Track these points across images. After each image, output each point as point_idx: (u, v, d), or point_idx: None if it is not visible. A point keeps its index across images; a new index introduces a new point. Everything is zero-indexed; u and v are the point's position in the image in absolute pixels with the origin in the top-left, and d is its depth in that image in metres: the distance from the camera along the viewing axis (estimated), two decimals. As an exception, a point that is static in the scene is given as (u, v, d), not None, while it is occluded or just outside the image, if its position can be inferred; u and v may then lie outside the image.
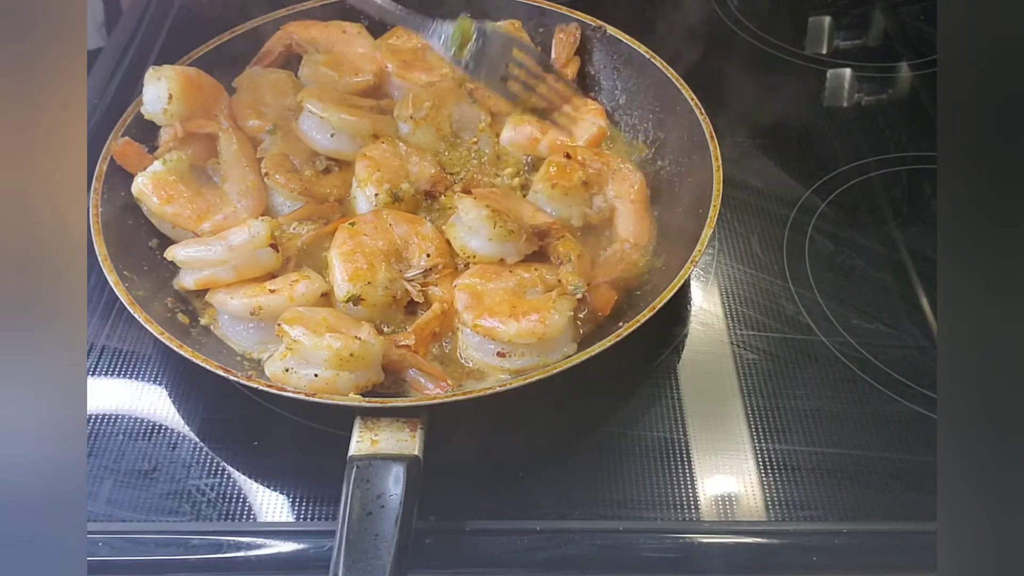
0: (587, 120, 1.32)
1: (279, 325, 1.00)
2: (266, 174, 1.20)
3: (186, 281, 1.10)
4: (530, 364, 1.03)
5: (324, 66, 1.33)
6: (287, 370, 0.99)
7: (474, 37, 1.12)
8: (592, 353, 0.97)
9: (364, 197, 1.19)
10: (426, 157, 1.25)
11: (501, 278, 1.09)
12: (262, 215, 1.16)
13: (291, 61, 1.40)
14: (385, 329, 1.09)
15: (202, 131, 1.23)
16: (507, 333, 1.01)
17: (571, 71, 1.39)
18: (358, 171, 1.20)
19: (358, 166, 1.21)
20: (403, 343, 1.03)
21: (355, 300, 1.07)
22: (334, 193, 1.23)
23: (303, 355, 0.98)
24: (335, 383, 0.97)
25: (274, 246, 1.10)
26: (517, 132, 1.30)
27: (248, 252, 1.08)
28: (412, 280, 1.11)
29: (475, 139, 1.31)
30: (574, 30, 1.40)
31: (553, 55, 1.41)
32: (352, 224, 1.14)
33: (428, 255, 1.13)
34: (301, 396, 0.94)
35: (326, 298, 1.09)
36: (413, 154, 1.24)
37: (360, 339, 0.99)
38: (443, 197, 1.22)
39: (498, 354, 1.04)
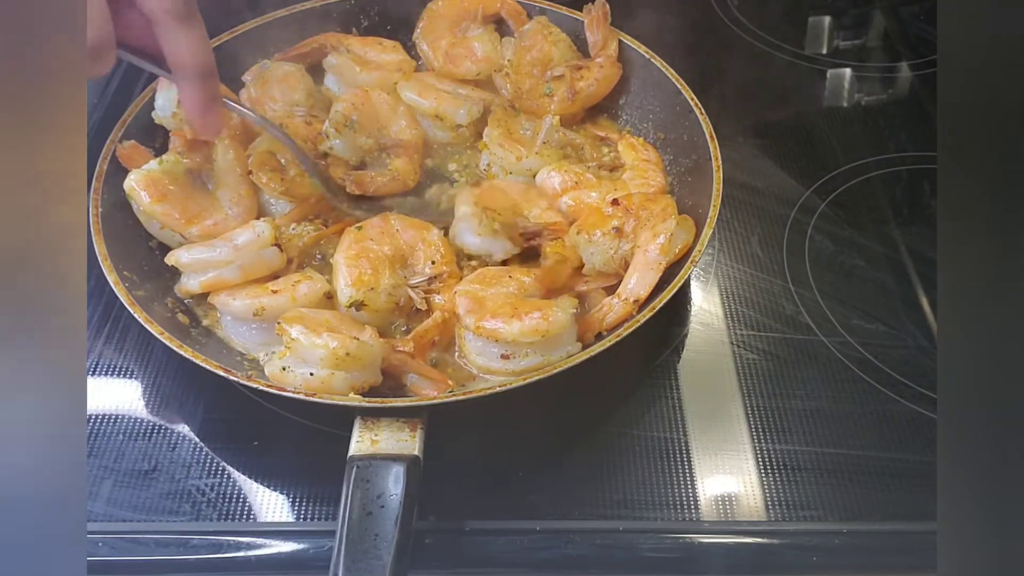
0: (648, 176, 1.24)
1: (279, 323, 1.00)
2: (250, 171, 1.20)
3: (190, 284, 1.10)
4: (535, 364, 1.02)
5: (351, 61, 1.34)
6: (284, 369, 0.99)
7: None
8: (592, 353, 0.97)
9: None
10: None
11: (501, 283, 1.08)
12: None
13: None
14: (388, 333, 1.09)
15: (211, 138, 1.22)
16: (510, 333, 1.00)
17: (613, 48, 1.35)
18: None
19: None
20: (401, 348, 1.03)
21: (358, 305, 1.07)
22: (315, 194, 1.21)
23: (300, 353, 0.98)
24: (330, 382, 0.97)
25: (278, 246, 1.10)
26: (548, 178, 1.22)
27: (253, 251, 1.08)
28: (416, 287, 1.11)
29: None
30: (601, 5, 1.36)
31: (590, 40, 1.38)
32: (359, 228, 1.13)
33: (433, 262, 1.12)
34: (301, 396, 0.94)
35: (330, 299, 1.09)
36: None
37: (358, 339, 0.99)
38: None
39: (502, 356, 1.03)
